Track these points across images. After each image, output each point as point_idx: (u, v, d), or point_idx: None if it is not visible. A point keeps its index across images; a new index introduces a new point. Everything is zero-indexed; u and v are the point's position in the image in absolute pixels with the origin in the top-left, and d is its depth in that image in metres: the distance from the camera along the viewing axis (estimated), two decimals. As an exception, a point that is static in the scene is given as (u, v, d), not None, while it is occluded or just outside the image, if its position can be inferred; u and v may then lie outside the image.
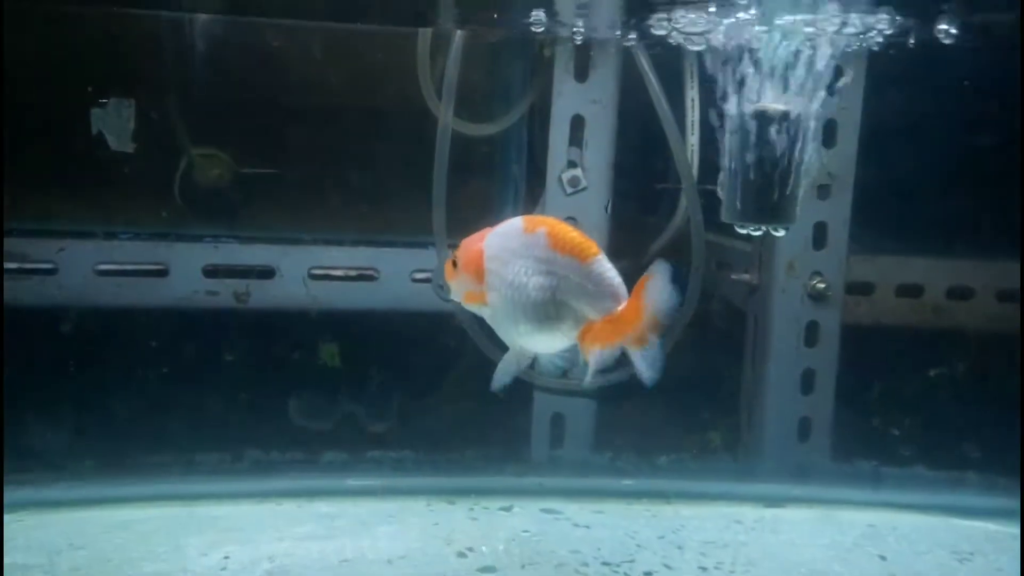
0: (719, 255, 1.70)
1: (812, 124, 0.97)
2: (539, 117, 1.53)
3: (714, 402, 1.68)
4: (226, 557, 1.03)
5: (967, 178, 1.58)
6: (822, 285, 1.50)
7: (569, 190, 1.49)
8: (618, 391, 1.52)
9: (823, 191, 1.48)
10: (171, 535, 1.07)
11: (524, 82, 1.56)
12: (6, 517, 1.04)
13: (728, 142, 0.99)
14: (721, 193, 1.02)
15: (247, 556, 1.03)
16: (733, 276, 1.62)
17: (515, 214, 1.63)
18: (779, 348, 1.52)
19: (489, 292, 0.95)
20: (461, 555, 1.06)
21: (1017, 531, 1.19)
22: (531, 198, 1.58)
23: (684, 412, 1.66)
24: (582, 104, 1.47)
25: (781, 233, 1.02)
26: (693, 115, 1.60)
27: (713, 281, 1.69)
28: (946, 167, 1.57)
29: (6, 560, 0.96)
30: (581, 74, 1.46)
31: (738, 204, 0.98)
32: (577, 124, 1.48)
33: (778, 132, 0.95)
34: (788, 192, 0.96)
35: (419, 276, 1.51)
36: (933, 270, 1.55)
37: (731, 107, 0.98)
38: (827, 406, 1.52)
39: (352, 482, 1.21)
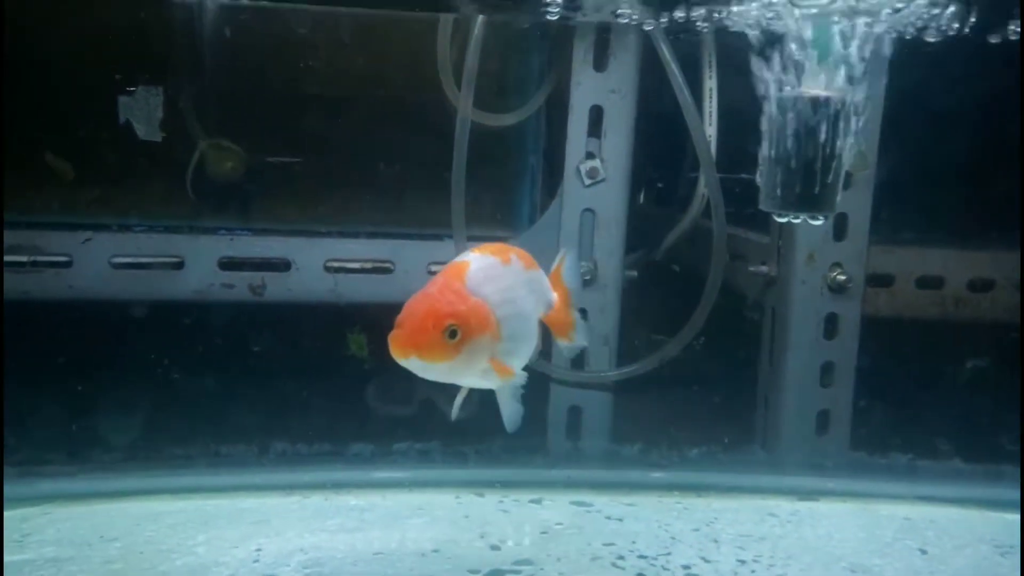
0: (735, 247, 1.69)
1: (855, 111, 0.95)
2: (558, 107, 1.51)
3: (731, 396, 1.67)
4: (258, 550, 1.02)
5: (989, 169, 1.57)
6: (842, 277, 1.48)
7: (587, 181, 1.47)
8: (634, 383, 1.52)
9: (844, 183, 1.46)
10: (201, 527, 1.06)
11: (542, 72, 1.55)
12: (31, 510, 1.02)
13: (768, 128, 0.97)
14: (760, 181, 1.01)
15: (278, 548, 1.02)
16: (751, 268, 1.60)
17: (532, 205, 1.65)
18: (798, 340, 1.51)
19: (503, 342, 0.86)
20: (495, 548, 1.05)
21: None
22: (549, 189, 1.57)
23: (700, 406, 1.65)
24: (601, 94, 1.46)
25: (819, 222, 1.00)
26: (711, 105, 1.59)
27: (730, 273, 1.69)
28: (968, 158, 1.56)
29: (37, 552, 0.94)
30: (600, 64, 1.45)
31: (778, 192, 0.97)
32: (596, 114, 1.46)
33: (822, 119, 0.94)
34: (830, 180, 0.95)
35: (435, 268, 1.49)
36: (954, 262, 1.54)
37: (772, 92, 0.96)
38: (846, 399, 1.51)
39: (379, 474, 1.20)
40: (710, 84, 1.59)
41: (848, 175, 1.44)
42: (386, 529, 1.09)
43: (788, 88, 0.96)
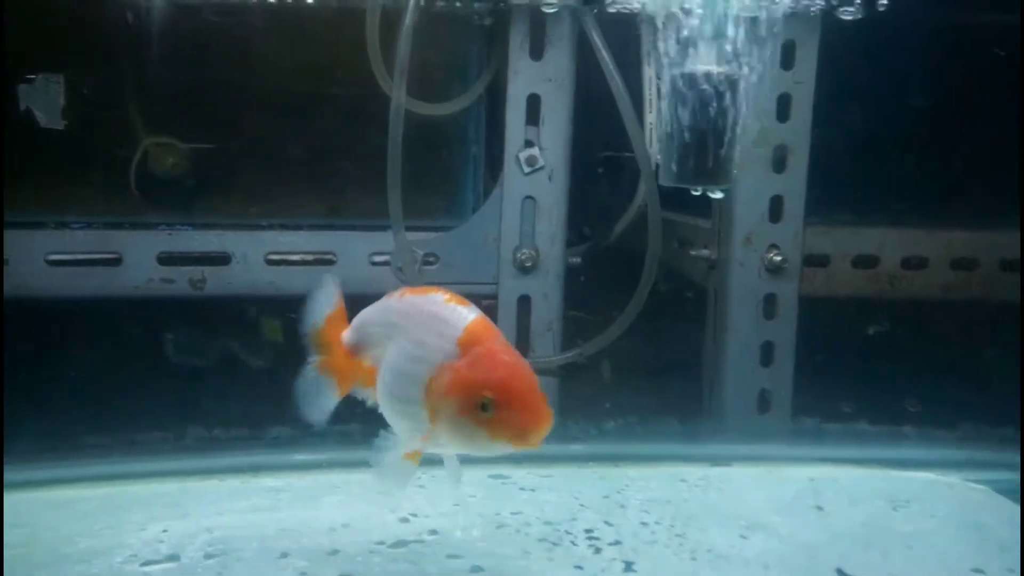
0: (681, 233, 1.72)
1: (748, 87, 0.97)
2: (499, 97, 1.52)
3: (677, 380, 1.70)
4: (164, 531, 1.02)
5: (921, 148, 1.60)
6: (779, 258, 1.51)
7: (527, 169, 1.49)
8: (578, 368, 1.54)
9: (778, 164, 1.49)
10: (111, 513, 1.06)
11: (481, 61, 1.56)
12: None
13: (664, 105, 0.99)
14: (659, 157, 1.03)
15: (185, 529, 1.03)
16: (692, 252, 1.63)
17: (476, 195, 1.66)
18: (738, 321, 1.54)
19: None
20: (404, 520, 1.06)
21: (954, 480, 1.23)
22: (493, 179, 1.58)
23: (647, 391, 1.67)
24: (538, 83, 1.47)
25: (719, 195, 1.03)
26: (651, 92, 1.60)
27: (675, 259, 1.71)
28: (899, 137, 1.59)
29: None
30: (536, 52, 1.46)
31: (674, 166, 0.99)
32: (533, 103, 1.47)
33: (711, 94, 0.96)
34: (723, 153, 0.97)
35: (377, 259, 1.50)
36: (888, 240, 1.57)
37: (666, 70, 0.98)
38: (787, 378, 1.54)
39: (299, 456, 1.21)
40: (650, 72, 1.60)
41: (779, 159, 1.48)
42: (299, 508, 1.10)
43: (680, 64, 0.97)
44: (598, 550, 1.00)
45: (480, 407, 0.73)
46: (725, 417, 1.55)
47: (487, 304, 1.54)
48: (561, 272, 1.53)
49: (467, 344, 0.77)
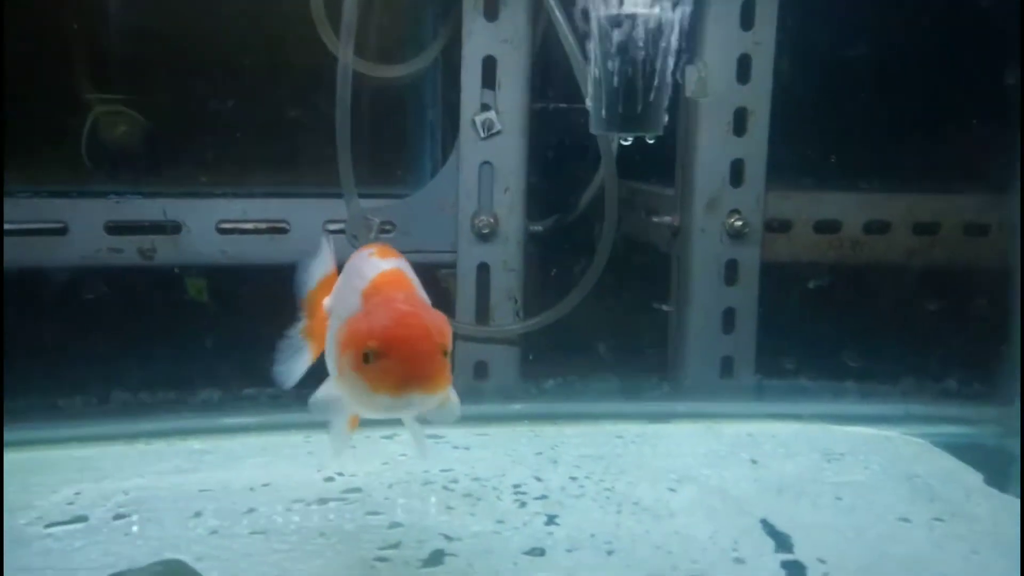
0: (647, 202, 1.69)
1: (675, 30, 0.94)
2: (455, 60, 1.49)
3: (641, 348, 1.68)
4: (77, 493, 1.00)
5: (882, 110, 1.58)
6: (740, 223, 1.49)
7: (483, 134, 1.46)
8: (541, 336, 1.52)
9: (739, 127, 1.47)
10: (23, 476, 1.04)
11: (437, 23, 1.52)
12: None
13: (593, 50, 0.97)
14: (588, 104, 1.01)
15: (100, 491, 1.01)
16: (655, 219, 1.61)
17: (434, 161, 1.63)
18: (700, 288, 1.52)
19: None
20: (329, 479, 1.04)
21: (893, 434, 1.23)
22: (449, 144, 1.55)
23: (612, 356, 1.66)
24: (493, 44, 1.43)
25: (651, 141, 1.01)
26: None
27: (641, 228, 1.69)
28: (862, 99, 1.57)
29: None
30: (491, 13, 1.42)
31: (603, 112, 0.97)
32: (489, 65, 1.44)
33: (637, 36, 0.93)
34: (652, 99, 0.95)
35: (332, 227, 1.47)
36: (850, 205, 1.55)
37: (592, 11, 0.96)
38: (749, 344, 1.53)
39: (228, 420, 1.19)
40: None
41: (740, 122, 1.46)
42: (222, 469, 1.08)
43: (606, 5, 0.95)
44: (523, 504, 1.00)
45: (364, 358, 0.67)
46: (686, 383, 1.54)
47: (445, 273, 1.52)
48: (522, 240, 1.51)
49: (368, 295, 0.73)
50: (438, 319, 0.70)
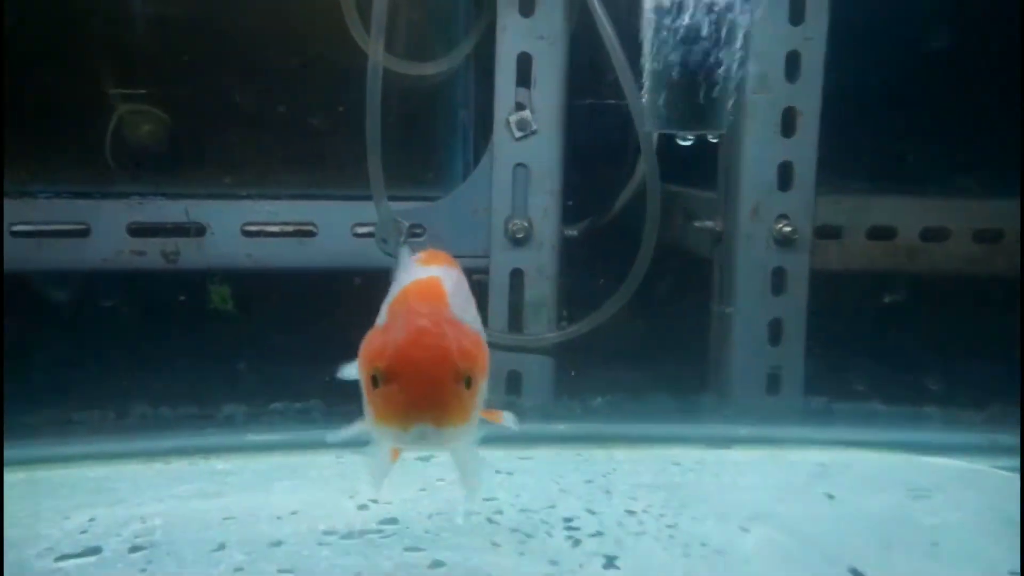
0: (686, 205, 1.62)
1: (743, 22, 0.87)
2: (489, 57, 1.43)
3: (680, 360, 1.60)
4: (91, 520, 0.93)
5: (944, 111, 1.49)
6: (788, 229, 1.41)
7: (518, 134, 1.40)
8: (577, 345, 1.45)
9: (787, 127, 1.39)
10: (33, 499, 0.97)
11: (469, 18, 1.46)
12: None
13: (649, 40, 0.90)
14: (644, 99, 0.93)
15: (115, 517, 0.93)
16: (696, 224, 1.53)
17: (465, 163, 1.57)
18: (744, 297, 1.44)
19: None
20: (362, 508, 0.95)
21: (984, 467, 1.12)
22: (482, 144, 1.49)
23: (647, 371, 1.58)
24: (529, 40, 1.37)
25: (713, 140, 0.93)
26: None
27: (680, 233, 1.62)
28: (918, 99, 1.49)
29: None
30: (527, 8, 1.37)
31: (661, 108, 0.89)
32: (524, 62, 1.38)
33: (702, 23, 0.86)
34: (716, 94, 0.87)
35: (361, 231, 1.42)
36: (906, 210, 1.46)
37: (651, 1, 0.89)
38: (797, 356, 1.44)
39: (253, 437, 1.11)
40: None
41: (788, 122, 1.38)
42: (248, 493, 1.00)
43: None
44: (577, 542, 0.90)
45: (373, 380, 0.58)
46: (731, 399, 1.46)
47: (477, 279, 1.45)
48: (556, 244, 1.44)
49: (393, 307, 0.64)
50: (465, 339, 0.60)
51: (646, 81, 0.93)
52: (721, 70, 0.87)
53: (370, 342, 0.61)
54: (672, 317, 1.63)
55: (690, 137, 0.95)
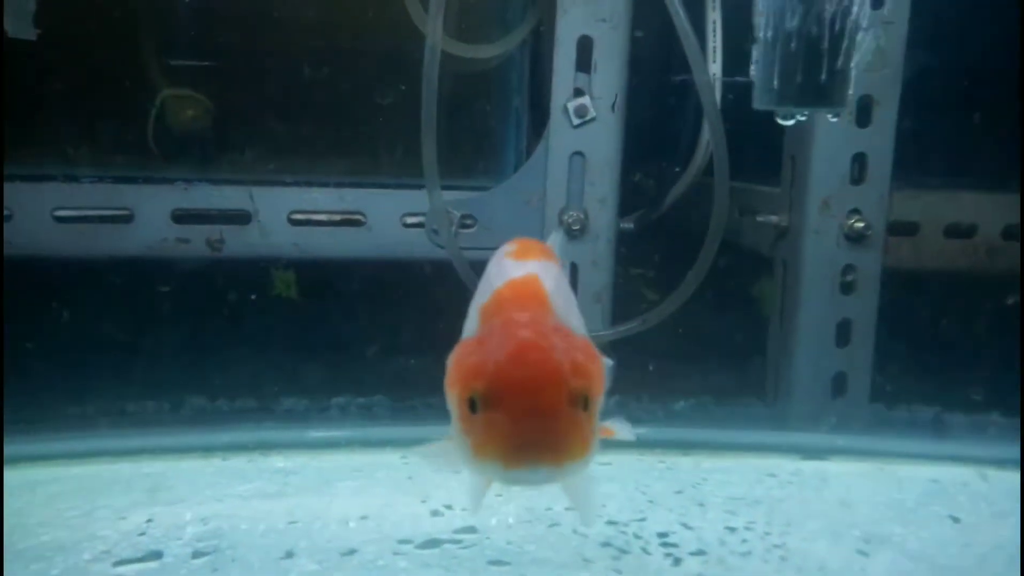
0: (743, 200, 1.55)
1: None
2: (545, 41, 1.37)
3: (738, 361, 1.53)
4: (148, 521, 0.88)
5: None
6: (860, 224, 1.33)
7: (576, 121, 1.33)
8: (631, 343, 1.39)
9: (863, 117, 1.31)
10: (86, 496, 0.92)
11: (527, 1, 1.40)
12: None
13: (762, 8, 0.82)
14: (754, 73, 0.86)
15: (174, 519, 0.88)
16: (759, 218, 1.45)
17: (518, 151, 1.51)
18: (811, 296, 1.37)
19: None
20: (436, 514, 0.89)
21: None
22: (535, 133, 1.43)
23: (704, 373, 1.51)
24: (589, 24, 1.31)
25: (833, 120, 0.85)
26: (715, 41, 1.44)
27: (737, 228, 1.54)
28: (1002, 88, 1.40)
29: None
30: (588, -11, 1.30)
31: (775, 82, 0.82)
32: (584, 46, 1.31)
33: None
34: (839, 66, 0.80)
35: (411, 221, 1.36)
36: (986, 206, 1.38)
37: None
38: (865, 360, 1.36)
39: (315, 433, 1.06)
40: (714, 16, 1.44)
41: (864, 112, 1.30)
42: (312, 494, 0.95)
43: None
44: (678, 561, 0.82)
45: (469, 404, 0.50)
46: (793, 403, 1.38)
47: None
48: (612, 238, 1.38)
49: (488, 313, 0.55)
50: (577, 352, 0.51)
51: (758, 54, 0.85)
52: (845, 40, 0.80)
53: (463, 357, 0.53)
54: (727, 318, 1.57)
55: (806, 113, 0.87)
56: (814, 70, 0.80)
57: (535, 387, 0.48)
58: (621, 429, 0.59)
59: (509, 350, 0.50)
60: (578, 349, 0.51)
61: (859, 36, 0.82)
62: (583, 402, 0.50)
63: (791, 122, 0.92)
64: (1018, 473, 1.04)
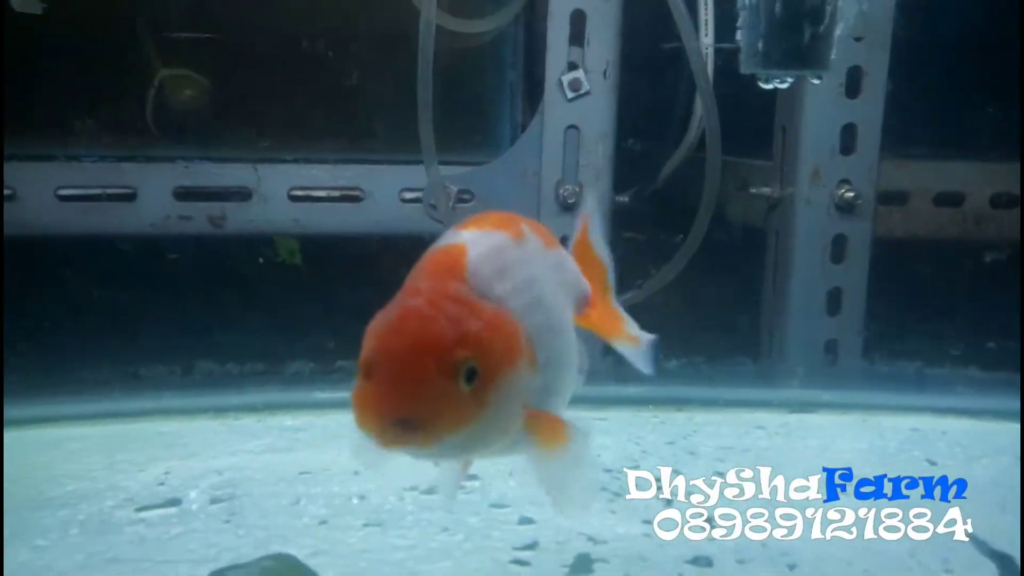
0: (737, 173, 1.57)
1: None
2: (539, 15, 1.38)
3: (733, 329, 1.56)
4: (166, 472, 0.92)
5: (1013, 70, 1.42)
6: (850, 194, 1.36)
7: (570, 94, 1.35)
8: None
9: (852, 88, 1.33)
10: (106, 452, 0.97)
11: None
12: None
13: None
14: (740, 38, 0.88)
15: (190, 471, 0.93)
16: (752, 190, 1.48)
17: (513, 125, 1.53)
18: (803, 265, 1.39)
19: (540, 373, 0.54)
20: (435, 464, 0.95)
21: None
22: (530, 107, 1.44)
23: (700, 341, 1.54)
24: (582, -4, 1.32)
25: (816, 82, 0.87)
26: (707, 14, 1.45)
27: (732, 199, 1.57)
28: (990, 59, 1.41)
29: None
30: (580, -38, 1.31)
31: (760, 46, 0.84)
32: (578, 20, 1.33)
33: None
34: (822, 30, 0.82)
35: (409, 196, 1.39)
36: (975, 175, 1.40)
37: None
38: (856, 328, 1.39)
39: (320, 394, 1.10)
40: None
41: (853, 83, 1.31)
42: (320, 449, 0.99)
43: None
44: (669, 502, 0.87)
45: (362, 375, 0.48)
46: (786, 369, 1.41)
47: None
48: (608, 211, 1.40)
49: (405, 286, 0.52)
50: (474, 322, 0.48)
51: (743, 17, 0.87)
52: (829, 4, 0.81)
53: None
54: (722, 286, 1.59)
55: (788, 79, 0.89)
56: (798, 34, 0.82)
57: (404, 357, 0.47)
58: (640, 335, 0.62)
59: (389, 319, 0.49)
60: (474, 317, 0.49)
61: (841, 0, 0.84)
62: (466, 373, 0.47)
63: (770, 86, 0.94)
64: (991, 422, 1.08)
